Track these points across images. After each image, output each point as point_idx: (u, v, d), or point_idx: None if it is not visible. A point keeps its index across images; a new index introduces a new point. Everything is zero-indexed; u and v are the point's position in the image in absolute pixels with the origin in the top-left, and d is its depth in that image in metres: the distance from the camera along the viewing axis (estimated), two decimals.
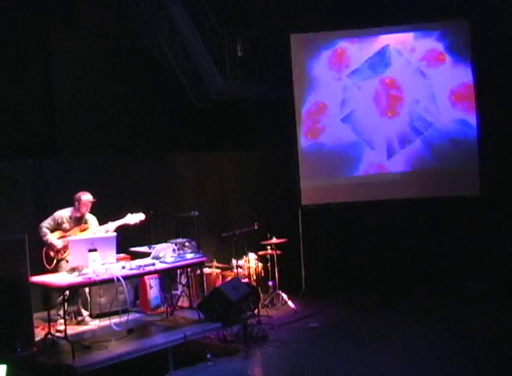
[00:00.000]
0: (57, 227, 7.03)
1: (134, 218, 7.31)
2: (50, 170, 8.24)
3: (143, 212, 7.46)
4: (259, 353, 7.03)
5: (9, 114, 8.97)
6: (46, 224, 6.97)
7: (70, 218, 7.10)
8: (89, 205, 7.12)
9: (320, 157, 9.82)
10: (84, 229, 7.16)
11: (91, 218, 7.25)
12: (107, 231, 7.14)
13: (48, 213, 7.16)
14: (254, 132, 10.60)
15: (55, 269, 6.87)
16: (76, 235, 7.02)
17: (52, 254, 6.93)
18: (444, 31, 9.63)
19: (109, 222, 7.21)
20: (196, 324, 6.93)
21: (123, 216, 7.34)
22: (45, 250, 6.92)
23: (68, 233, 7.03)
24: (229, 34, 10.48)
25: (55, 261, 6.93)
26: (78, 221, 7.15)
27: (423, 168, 9.62)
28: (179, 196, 9.44)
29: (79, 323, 7.09)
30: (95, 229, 7.18)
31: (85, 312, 7.19)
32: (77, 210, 7.09)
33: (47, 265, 6.87)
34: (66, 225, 7.06)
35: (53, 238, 6.94)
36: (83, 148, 9.52)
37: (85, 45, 9.80)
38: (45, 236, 6.90)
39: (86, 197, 7.09)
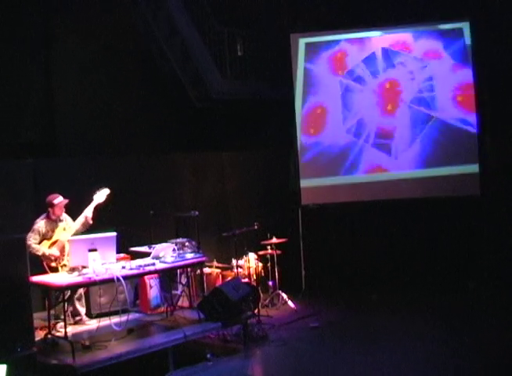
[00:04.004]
0: (42, 238, 6.97)
1: (101, 196, 7.20)
2: (50, 170, 8.23)
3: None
4: (259, 353, 7.03)
5: (9, 114, 8.97)
6: (32, 240, 6.85)
7: (50, 224, 7.04)
8: (63, 206, 7.09)
9: (320, 156, 9.82)
10: (64, 228, 7.11)
11: (65, 216, 7.20)
12: (86, 217, 7.07)
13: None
14: (254, 132, 10.59)
15: None
16: (61, 235, 6.98)
17: (53, 264, 6.86)
18: (444, 31, 9.63)
19: (84, 211, 7.13)
20: (196, 324, 6.93)
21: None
22: (45, 263, 6.85)
23: (54, 238, 6.99)
24: (229, 33, 10.48)
25: (59, 268, 6.88)
26: (55, 222, 7.09)
27: (423, 167, 9.62)
28: (179, 196, 9.44)
29: (76, 322, 7.08)
30: (74, 223, 7.12)
31: (82, 310, 7.17)
32: (53, 213, 7.03)
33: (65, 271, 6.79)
34: (49, 233, 7.01)
35: (47, 249, 6.89)
36: (83, 148, 9.52)
37: (85, 45, 9.80)
38: (38, 251, 6.81)
39: (59, 200, 7.02)
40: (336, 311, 8.55)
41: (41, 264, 6.84)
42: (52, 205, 7.00)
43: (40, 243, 6.92)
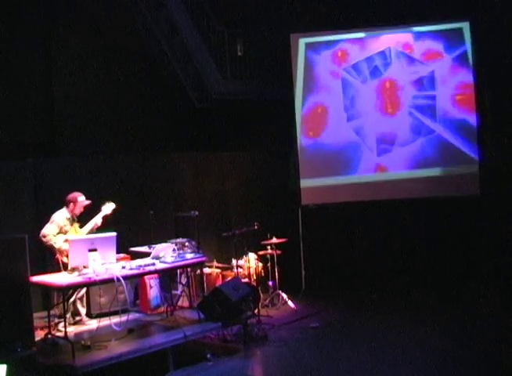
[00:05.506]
0: (59, 231, 6.96)
1: (108, 208, 7.24)
2: (50, 170, 8.23)
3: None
4: (259, 353, 7.03)
5: (9, 114, 8.98)
6: (51, 230, 6.85)
7: (68, 219, 7.06)
8: (83, 207, 7.10)
9: (320, 156, 9.83)
10: (76, 229, 7.12)
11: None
12: (96, 224, 7.13)
13: (49, 213, 7.09)
14: (253, 132, 10.60)
15: None
16: (73, 235, 6.97)
17: (65, 259, 6.78)
18: (444, 31, 9.63)
19: (94, 218, 7.19)
20: (196, 324, 6.93)
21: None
22: (58, 256, 6.83)
23: (67, 235, 7.00)
24: (229, 34, 10.48)
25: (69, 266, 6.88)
26: (74, 221, 7.12)
27: (423, 167, 9.62)
28: (179, 196, 9.44)
29: (76, 323, 7.08)
30: (84, 227, 7.13)
31: (83, 311, 7.18)
32: (72, 211, 7.06)
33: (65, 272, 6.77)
34: (67, 228, 7.02)
35: (64, 244, 6.84)
36: (83, 148, 9.53)
37: (85, 45, 9.81)
38: (56, 243, 6.80)
39: (82, 199, 7.07)
40: (336, 311, 8.55)
41: (54, 257, 6.84)
42: (75, 202, 7.03)
43: (56, 235, 6.90)
